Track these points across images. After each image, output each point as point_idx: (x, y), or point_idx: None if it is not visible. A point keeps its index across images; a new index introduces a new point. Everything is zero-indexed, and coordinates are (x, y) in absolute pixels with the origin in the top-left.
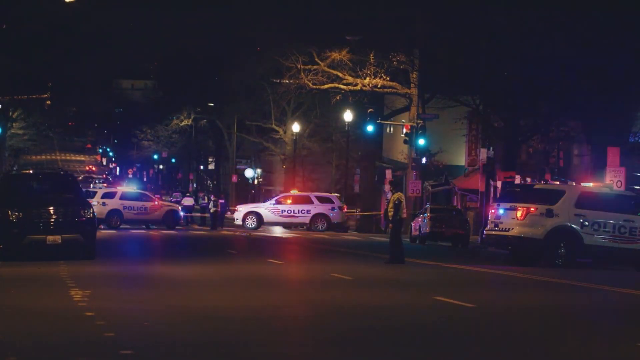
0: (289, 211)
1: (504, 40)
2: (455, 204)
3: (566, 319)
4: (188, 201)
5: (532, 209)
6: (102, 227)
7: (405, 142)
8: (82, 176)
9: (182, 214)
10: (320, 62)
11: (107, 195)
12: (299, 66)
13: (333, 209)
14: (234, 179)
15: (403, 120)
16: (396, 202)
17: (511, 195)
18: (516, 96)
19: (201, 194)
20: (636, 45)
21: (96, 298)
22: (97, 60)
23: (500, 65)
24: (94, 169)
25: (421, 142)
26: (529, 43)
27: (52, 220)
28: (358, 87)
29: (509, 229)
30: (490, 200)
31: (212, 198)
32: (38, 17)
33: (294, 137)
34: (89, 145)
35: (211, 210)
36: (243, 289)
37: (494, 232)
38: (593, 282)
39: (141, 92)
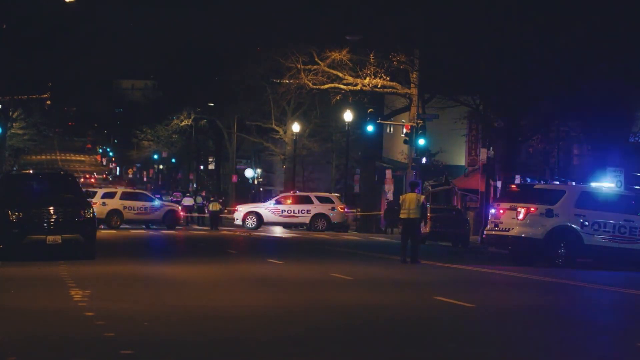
0: (289, 211)
1: (504, 40)
2: (455, 204)
3: (566, 319)
4: (188, 201)
5: (532, 209)
6: (102, 227)
7: (405, 142)
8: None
9: (182, 213)
10: (320, 62)
11: (107, 195)
12: (299, 66)
13: (333, 209)
14: (234, 179)
15: (403, 120)
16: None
17: (511, 195)
18: (516, 96)
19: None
20: (636, 45)
21: (96, 298)
22: (97, 60)
23: (500, 66)
24: (93, 180)
25: (421, 142)
26: (529, 43)
27: (52, 220)
28: (358, 87)
29: (509, 229)
30: (490, 200)
31: (212, 198)
32: (38, 17)
33: (294, 137)
34: (89, 145)
35: (211, 209)
36: (243, 289)
37: (494, 232)
38: (593, 282)
39: (141, 92)
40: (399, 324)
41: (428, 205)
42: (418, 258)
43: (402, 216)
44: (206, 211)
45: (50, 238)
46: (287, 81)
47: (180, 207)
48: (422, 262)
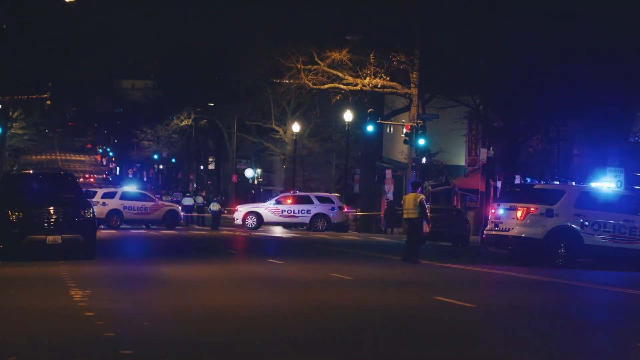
0: (289, 211)
1: (504, 40)
2: (455, 204)
3: (566, 319)
4: (188, 201)
5: (532, 209)
6: (102, 227)
7: (405, 142)
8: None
9: (182, 213)
10: (320, 62)
11: (107, 195)
12: (299, 66)
13: (333, 209)
14: (234, 179)
15: (403, 120)
16: (423, 201)
17: (511, 195)
18: (516, 96)
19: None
20: (636, 45)
21: (96, 298)
22: (97, 60)
23: (501, 65)
24: (92, 180)
25: (421, 142)
26: (529, 43)
27: (52, 220)
28: (358, 87)
29: (509, 229)
30: (490, 200)
31: (216, 198)
32: (38, 17)
33: (294, 137)
34: (89, 145)
35: (213, 209)
36: (243, 289)
37: (494, 232)
38: (593, 282)
39: (141, 92)
40: (399, 324)
41: (428, 205)
42: (417, 258)
43: (403, 216)
44: (209, 211)
45: (50, 238)
46: (287, 81)
47: (180, 207)
48: (422, 262)
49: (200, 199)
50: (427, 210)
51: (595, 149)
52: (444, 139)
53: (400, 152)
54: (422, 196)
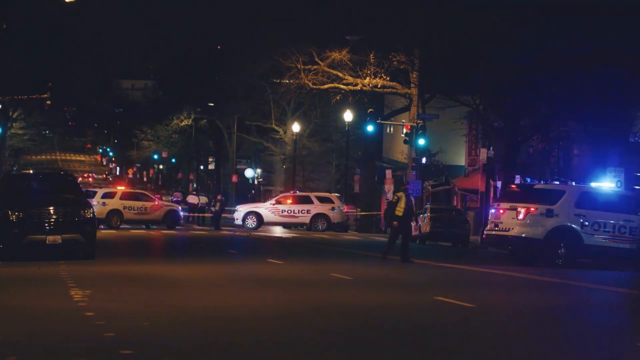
0: (289, 211)
1: (504, 40)
2: (455, 204)
3: (566, 319)
4: (193, 199)
5: (532, 209)
6: (102, 227)
7: (405, 142)
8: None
9: (182, 213)
10: (320, 62)
11: (107, 195)
12: (299, 66)
13: (333, 209)
14: (234, 179)
15: (403, 120)
16: (394, 199)
17: (511, 195)
18: (516, 96)
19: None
20: (636, 45)
21: (96, 298)
22: (97, 60)
23: (500, 66)
24: (91, 180)
25: (421, 142)
26: (530, 43)
27: (52, 220)
28: (358, 87)
29: (509, 229)
30: (490, 200)
31: (218, 198)
32: (38, 17)
33: (294, 137)
34: (89, 145)
35: (214, 209)
36: (243, 289)
37: (494, 232)
38: (593, 282)
39: (141, 92)
40: (399, 324)
41: (427, 206)
42: (384, 252)
43: None
44: (212, 210)
45: (50, 238)
46: (287, 81)
47: (180, 207)
48: (388, 258)
49: (204, 199)
50: (397, 207)
51: (595, 149)
52: (444, 139)
53: (400, 152)
54: (397, 194)
